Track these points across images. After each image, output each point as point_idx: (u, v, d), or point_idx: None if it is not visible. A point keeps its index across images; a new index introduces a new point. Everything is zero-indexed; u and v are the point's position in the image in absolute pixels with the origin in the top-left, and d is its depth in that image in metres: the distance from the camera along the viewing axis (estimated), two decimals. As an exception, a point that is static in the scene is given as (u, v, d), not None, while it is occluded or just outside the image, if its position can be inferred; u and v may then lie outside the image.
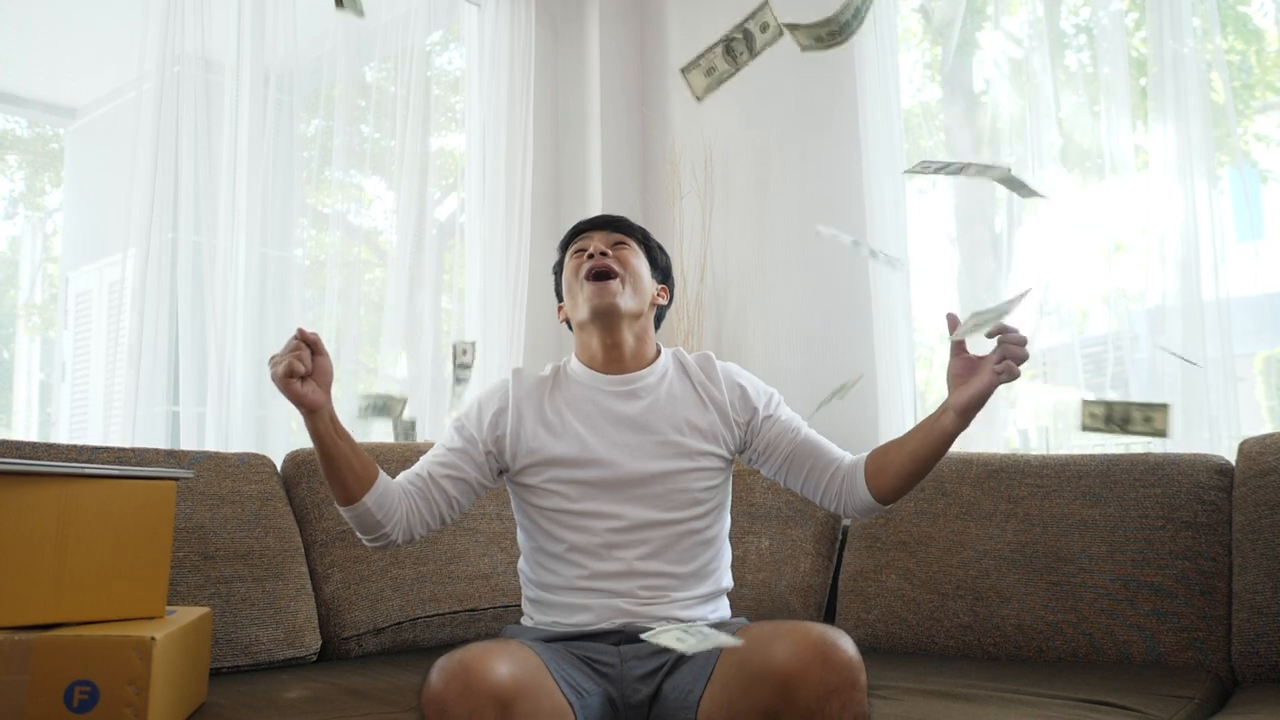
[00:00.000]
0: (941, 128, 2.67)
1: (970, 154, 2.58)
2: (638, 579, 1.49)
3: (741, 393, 1.61)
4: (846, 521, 2.23)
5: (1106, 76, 2.24)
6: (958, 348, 1.43)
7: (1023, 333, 1.39)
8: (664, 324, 1.74)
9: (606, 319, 1.56)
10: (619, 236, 1.63)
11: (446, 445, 1.58)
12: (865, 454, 1.56)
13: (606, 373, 1.58)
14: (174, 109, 2.27)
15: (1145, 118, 2.22)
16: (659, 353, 1.64)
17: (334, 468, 1.42)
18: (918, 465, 1.48)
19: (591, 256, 1.58)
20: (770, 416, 1.60)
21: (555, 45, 3.09)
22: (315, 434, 1.40)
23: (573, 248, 1.64)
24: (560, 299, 1.69)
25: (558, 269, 1.69)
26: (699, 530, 1.54)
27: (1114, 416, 1.30)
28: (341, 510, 1.48)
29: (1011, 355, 1.38)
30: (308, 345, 1.36)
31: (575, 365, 1.62)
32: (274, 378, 1.34)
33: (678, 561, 1.52)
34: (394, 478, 1.52)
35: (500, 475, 1.60)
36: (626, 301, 1.56)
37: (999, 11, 2.50)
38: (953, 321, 1.41)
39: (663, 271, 1.69)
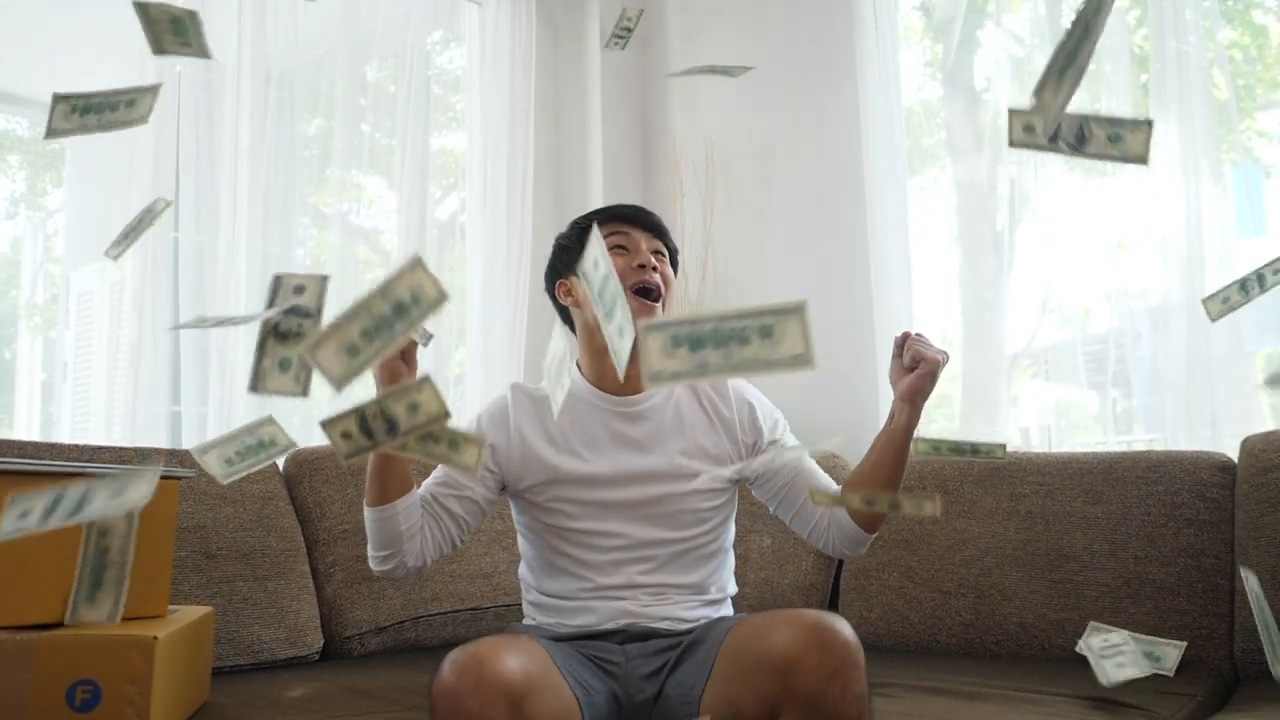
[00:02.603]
0: (942, 125, 2.67)
1: (972, 151, 2.57)
2: (641, 589, 1.49)
3: (750, 411, 1.58)
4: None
5: (1108, 74, 2.24)
6: (895, 351, 1.47)
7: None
8: (664, 324, 1.73)
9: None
10: (660, 245, 1.57)
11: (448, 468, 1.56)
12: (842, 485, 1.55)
13: (614, 392, 1.54)
14: (175, 109, 2.27)
15: (1147, 114, 2.21)
16: None
17: (385, 461, 1.39)
18: (886, 472, 1.47)
19: (643, 267, 1.52)
20: (775, 442, 1.58)
21: (556, 44, 3.09)
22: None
23: (609, 238, 1.55)
24: (558, 275, 1.63)
25: (567, 241, 1.61)
26: (703, 544, 1.54)
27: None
28: (370, 513, 1.43)
29: (915, 354, 1.43)
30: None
31: (579, 381, 1.57)
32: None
33: (681, 573, 1.52)
34: None
35: (502, 490, 1.57)
36: None
37: (1000, 9, 2.50)
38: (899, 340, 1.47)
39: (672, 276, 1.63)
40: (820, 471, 1.58)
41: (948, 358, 1.44)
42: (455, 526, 1.50)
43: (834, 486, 1.57)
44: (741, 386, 1.61)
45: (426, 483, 1.54)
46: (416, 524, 1.45)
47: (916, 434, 1.44)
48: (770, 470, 1.56)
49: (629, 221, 1.58)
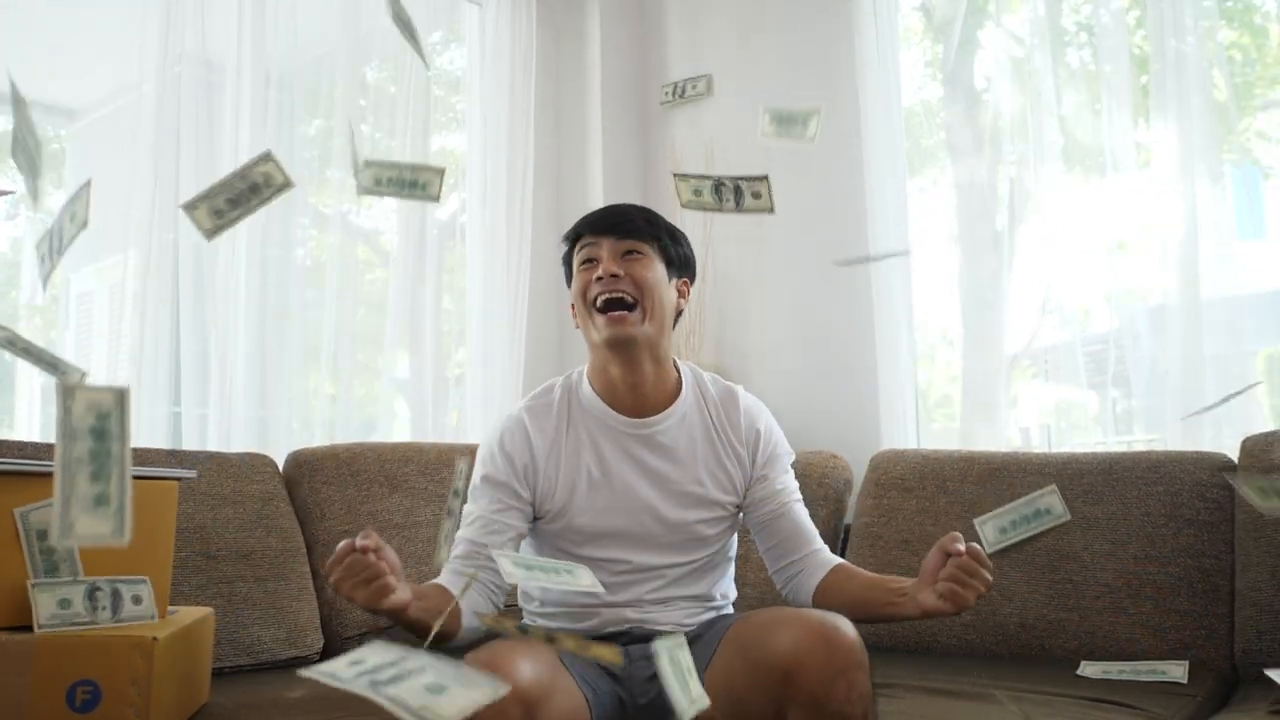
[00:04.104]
0: (943, 126, 2.67)
1: (972, 152, 2.57)
2: (648, 602, 1.49)
3: (756, 440, 1.55)
4: (848, 520, 2.23)
5: (1108, 74, 2.24)
6: (939, 553, 1.32)
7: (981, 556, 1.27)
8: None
9: (623, 351, 1.47)
10: (629, 244, 1.49)
11: (489, 511, 1.46)
12: (836, 562, 1.51)
13: (626, 412, 1.50)
14: (175, 110, 2.26)
15: (1147, 115, 2.21)
16: (679, 381, 1.55)
17: (427, 630, 1.26)
18: (863, 614, 1.39)
19: (601, 279, 1.46)
20: (765, 477, 1.54)
21: (556, 45, 3.09)
22: (407, 622, 1.25)
23: (580, 253, 1.52)
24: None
25: (567, 259, 1.58)
26: (710, 560, 1.54)
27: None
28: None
29: (957, 581, 1.27)
30: (375, 555, 1.17)
31: (589, 395, 1.53)
32: (363, 604, 1.17)
33: (688, 587, 1.52)
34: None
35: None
36: (645, 331, 1.46)
37: (1000, 9, 2.50)
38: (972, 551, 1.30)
39: (681, 264, 1.55)
40: (806, 522, 1.55)
41: (986, 589, 1.30)
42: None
43: (817, 539, 1.53)
44: (754, 414, 1.57)
45: (465, 537, 1.46)
46: (464, 604, 1.39)
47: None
48: (754, 502, 1.54)
49: (593, 229, 1.52)
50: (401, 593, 1.20)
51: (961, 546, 1.28)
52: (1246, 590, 1.75)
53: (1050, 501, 1.60)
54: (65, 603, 1.27)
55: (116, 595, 1.32)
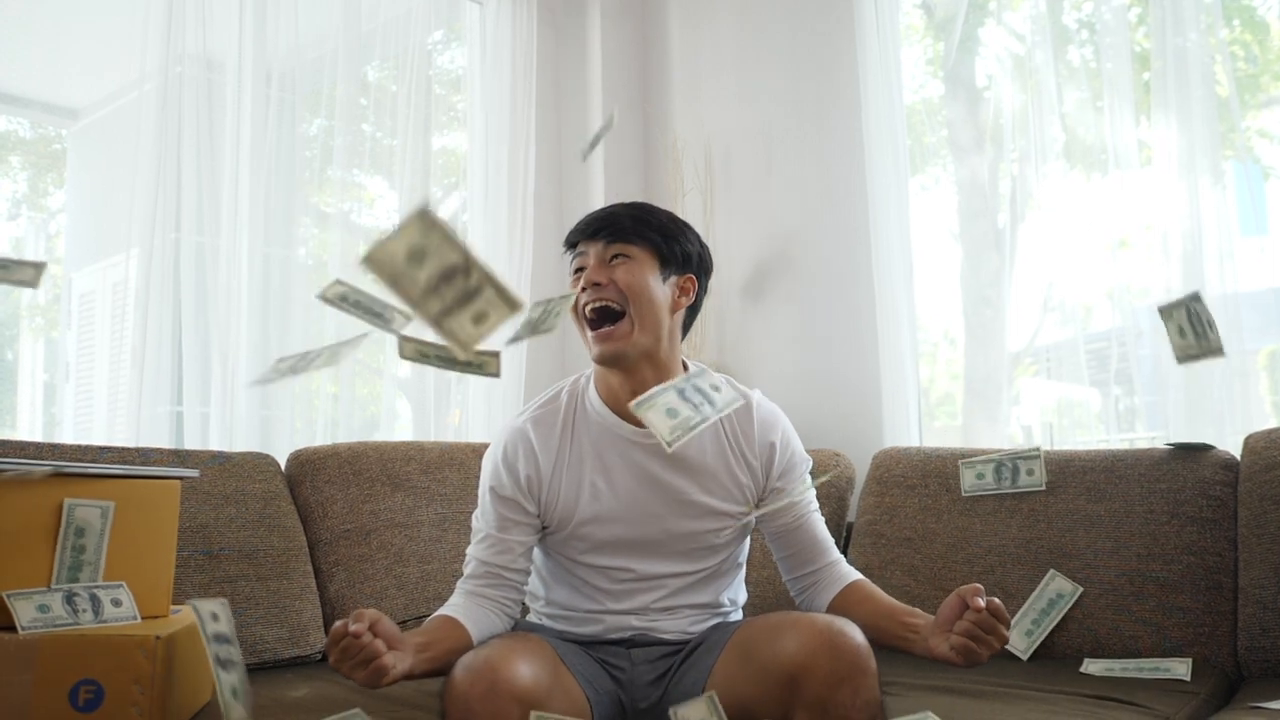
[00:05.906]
0: (944, 124, 2.67)
1: (973, 150, 2.57)
2: (653, 610, 1.48)
3: (771, 453, 1.50)
4: (850, 518, 2.23)
5: (1109, 71, 2.24)
6: (957, 602, 1.27)
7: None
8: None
9: (617, 364, 1.44)
10: (616, 248, 1.44)
11: (495, 530, 1.45)
12: (853, 579, 1.49)
13: (631, 421, 1.45)
14: (176, 109, 2.27)
15: (1148, 113, 2.21)
16: None
17: (443, 672, 1.27)
18: (872, 639, 1.31)
19: (585, 288, 1.42)
20: (780, 490, 1.51)
21: (557, 43, 3.09)
22: (420, 679, 1.29)
23: (573, 261, 1.49)
24: None
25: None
26: (716, 567, 1.52)
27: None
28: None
29: (971, 636, 1.23)
30: (370, 634, 1.18)
31: (595, 402, 1.49)
32: (364, 684, 1.19)
33: (692, 595, 1.50)
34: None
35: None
36: (637, 341, 1.41)
37: (1001, 7, 2.50)
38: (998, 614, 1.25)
39: (681, 261, 1.48)
40: (822, 532, 1.53)
41: (1002, 644, 1.25)
42: (523, 577, 1.48)
43: (833, 551, 1.52)
44: (769, 426, 1.52)
45: (476, 555, 1.46)
46: (477, 630, 1.38)
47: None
48: (768, 515, 1.51)
49: (583, 235, 1.47)
50: (401, 665, 1.20)
51: (982, 601, 1.24)
52: (1249, 587, 1.75)
53: (1058, 586, 1.65)
54: (44, 608, 1.30)
55: (95, 599, 1.33)
